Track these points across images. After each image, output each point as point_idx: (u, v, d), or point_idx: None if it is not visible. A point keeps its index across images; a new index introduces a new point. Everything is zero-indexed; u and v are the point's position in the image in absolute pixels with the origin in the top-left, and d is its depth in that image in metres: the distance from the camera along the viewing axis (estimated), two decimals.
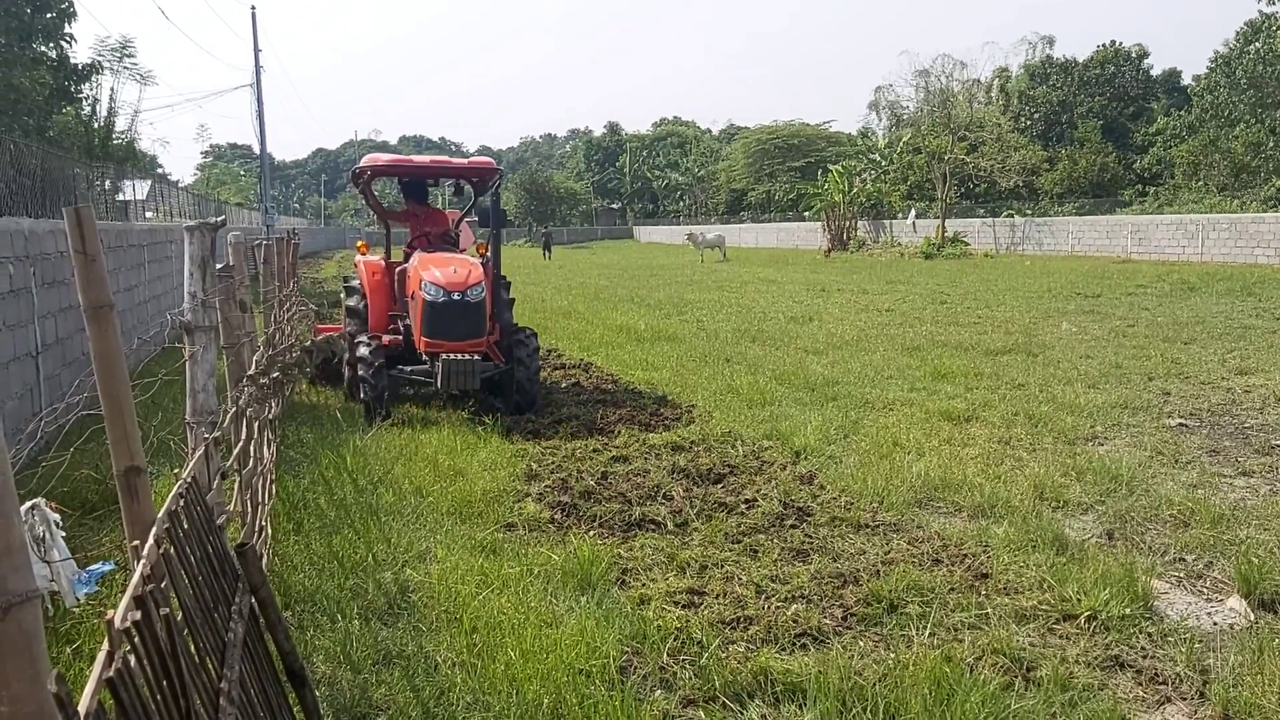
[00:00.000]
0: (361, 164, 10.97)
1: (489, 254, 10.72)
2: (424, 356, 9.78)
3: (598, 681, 4.21)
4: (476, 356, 9.43)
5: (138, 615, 1.78)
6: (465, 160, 11.31)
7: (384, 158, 11.25)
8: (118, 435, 2.48)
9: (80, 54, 25.30)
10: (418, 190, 11.86)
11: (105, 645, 1.63)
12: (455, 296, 9.48)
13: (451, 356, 9.26)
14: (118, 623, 1.69)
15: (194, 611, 2.32)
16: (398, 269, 11.00)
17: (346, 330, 11.01)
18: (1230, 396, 10.19)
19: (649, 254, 60.50)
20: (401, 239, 12.06)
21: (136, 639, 1.77)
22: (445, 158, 11.36)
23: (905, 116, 55.74)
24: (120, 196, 25.28)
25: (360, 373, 9.68)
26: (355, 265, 11.63)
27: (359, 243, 12.23)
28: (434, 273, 9.64)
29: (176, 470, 3.83)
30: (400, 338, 10.44)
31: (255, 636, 2.90)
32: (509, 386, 9.98)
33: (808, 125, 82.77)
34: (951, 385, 11.02)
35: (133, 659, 1.71)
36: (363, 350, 9.75)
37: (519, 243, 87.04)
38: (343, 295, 11.67)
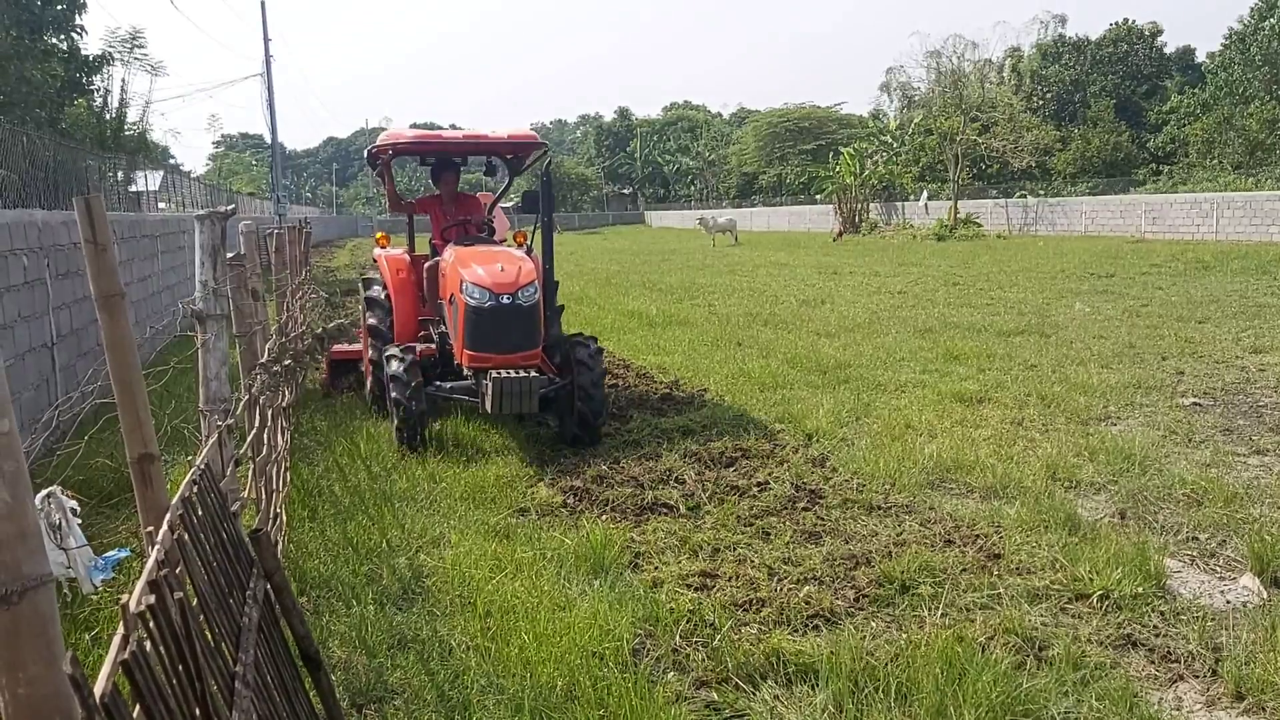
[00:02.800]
0: (380, 142, 9.48)
1: (528, 244, 9.41)
2: (467, 372, 8.21)
3: (611, 664, 4.24)
4: (533, 372, 7.84)
5: (152, 599, 1.80)
6: (504, 133, 9.57)
7: (407, 134, 9.64)
8: (130, 423, 2.50)
9: (91, 45, 25.24)
10: (448, 171, 10.05)
11: (120, 629, 1.65)
12: (504, 300, 7.88)
13: (503, 374, 7.64)
14: (132, 606, 1.71)
15: (208, 596, 2.34)
16: (426, 265, 9.41)
17: (370, 344, 9.60)
18: (1244, 375, 10.15)
19: (660, 239, 60.43)
20: (423, 225, 10.57)
21: (151, 623, 1.79)
22: (479, 132, 9.67)
23: (917, 98, 55.37)
24: (133, 188, 25.34)
25: (395, 395, 8.03)
26: (375, 260, 10.19)
27: (378, 234, 10.75)
28: (477, 271, 8.02)
29: (191, 458, 3.86)
30: (434, 346, 8.95)
31: (270, 621, 2.92)
32: (567, 405, 8.26)
33: (818, 108, 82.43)
34: (964, 367, 11.00)
35: (148, 643, 1.73)
36: (395, 367, 8.09)
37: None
38: (362, 307, 10.12)
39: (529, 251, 9.11)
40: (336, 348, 11.14)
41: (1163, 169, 51.69)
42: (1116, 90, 59.49)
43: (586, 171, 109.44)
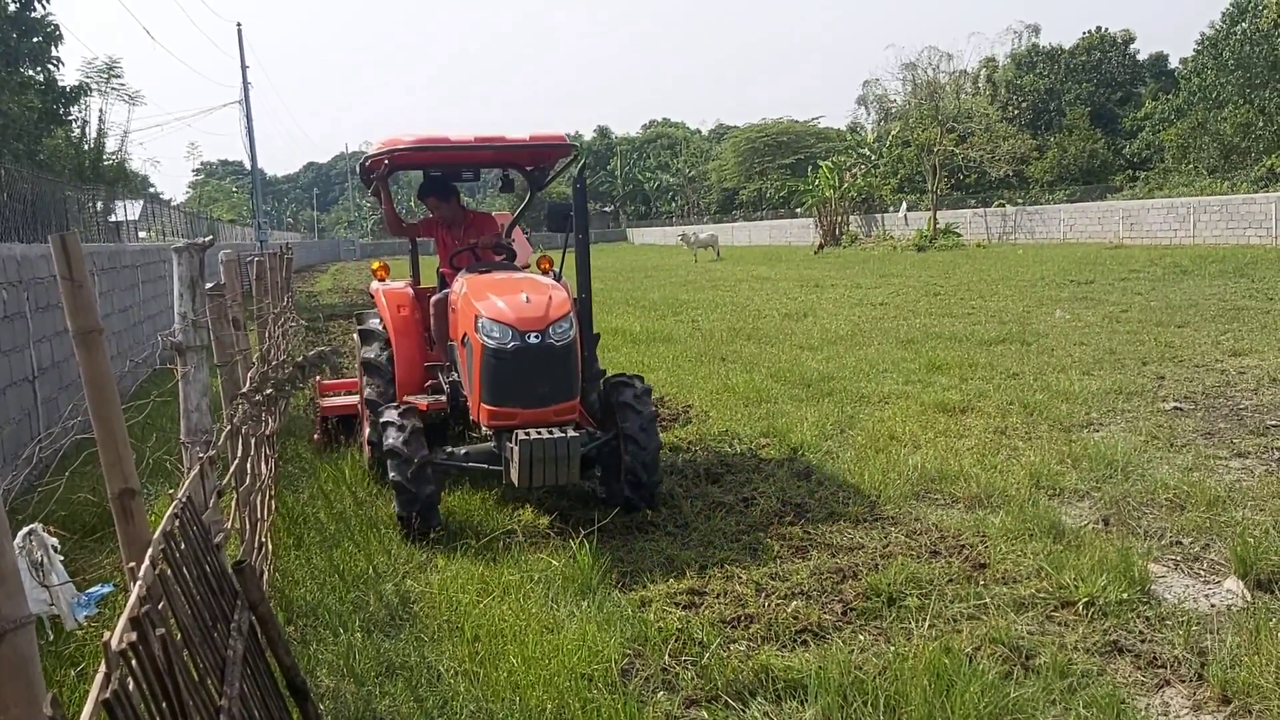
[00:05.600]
0: (375, 151, 7.68)
1: (555, 270, 7.96)
2: (486, 431, 6.68)
3: (600, 685, 4.23)
4: (571, 432, 6.25)
5: (134, 637, 1.80)
6: (526, 136, 7.61)
7: (408, 139, 7.45)
8: (111, 459, 2.50)
9: (68, 76, 25.30)
10: (441, 188, 8.19)
11: (102, 667, 1.65)
12: (532, 339, 6.28)
13: (534, 436, 6.09)
14: (114, 644, 1.71)
15: (192, 631, 2.34)
16: (433, 299, 7.78)
17: (369, 418, 7.75)
18: (1224, 378, 10.23)
19: (643, 256, 60.51)
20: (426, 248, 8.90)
21: (133, 660, 1.79)
22: (496, 134, 7.63)
23: (893, 110, 55.81)
24: (113, 218, 25.33)
25: (393, 475, 6.39)
26: (372, 296, 8.42)
27: (374, 265, 8.79)
28: (496, 304, 6.45)
29: (173, 490, 3.85)
30: (444, 399, 7.39)
31: (255, 653, 2.91)
32: (613, 462, 6.83)
33: (796, 122, 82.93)
34: (946, 377, 11.04)
35: (130, 681, 1.73)
36: (393, 438, 6.40)
37: None
38: (360, 368, 8.13)
39: (558, 279, 7.68)
40: (327, 403, 9.49)
41: (1139, 175, 52.23)
42: (1091, 98, 60.10)
43: (567, 190, 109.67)
